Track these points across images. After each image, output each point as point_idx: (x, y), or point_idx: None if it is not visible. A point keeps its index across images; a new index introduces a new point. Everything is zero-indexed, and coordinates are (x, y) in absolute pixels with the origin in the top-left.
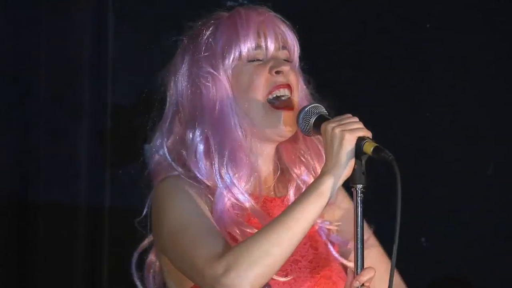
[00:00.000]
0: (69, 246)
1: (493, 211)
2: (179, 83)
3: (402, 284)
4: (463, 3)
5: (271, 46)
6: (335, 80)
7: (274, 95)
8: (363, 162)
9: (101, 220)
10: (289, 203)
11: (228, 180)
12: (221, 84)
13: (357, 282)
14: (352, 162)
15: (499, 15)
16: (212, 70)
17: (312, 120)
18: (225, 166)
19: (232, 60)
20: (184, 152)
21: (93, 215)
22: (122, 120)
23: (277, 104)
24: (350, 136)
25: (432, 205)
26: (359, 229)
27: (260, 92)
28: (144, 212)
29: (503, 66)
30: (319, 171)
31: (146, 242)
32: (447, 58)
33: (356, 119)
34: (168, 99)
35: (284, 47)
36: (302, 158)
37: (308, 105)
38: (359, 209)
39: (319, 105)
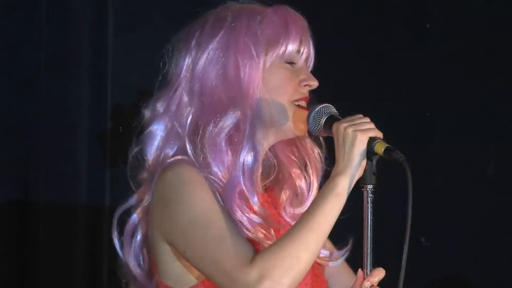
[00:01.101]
0: (69, 246)
1: (494, 211)
2: (208, 55)
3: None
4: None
5: (306, 55)
6: (335, 79)
7: (297, 104)
8: (374, 162)
9: (101, 220)
10: (277, 200)
11: (249, 171)
12: (257, 72)
13: (368, 282)
14: (364, 162)
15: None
16: (255, 54)
17: (323, 120)
18: (251, 156)
19: (276, 55)
20: (198, 132)
21: (93, 215)
22: (122, 120)
23: (301, 105)
24: (362, 136)
25: (432, 205)
26: (368, 230)
27: (286, 97)
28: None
29: (503, 66)
30: (311, 171)
31: (128, 205)
32: (447, 58)
33: (367, 119)
34: (183, 69)
35: (308, 56)
36: (296, 159)
37: (319, 105)
38: (369, 210)
39: (329, 105)
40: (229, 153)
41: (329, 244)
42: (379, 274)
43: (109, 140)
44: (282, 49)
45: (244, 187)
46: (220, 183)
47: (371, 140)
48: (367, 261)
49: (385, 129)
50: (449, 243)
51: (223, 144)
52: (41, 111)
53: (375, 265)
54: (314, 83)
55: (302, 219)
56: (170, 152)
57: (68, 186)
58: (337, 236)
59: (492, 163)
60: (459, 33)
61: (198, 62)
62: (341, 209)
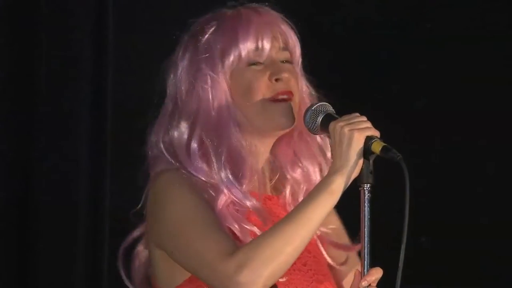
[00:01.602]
0: (69, 247)
1: (493, 210)
2: (178, 81)
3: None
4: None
5: (269, 48)
6: (334, 79)
7: (277, 98)
8: (371, 161)
9: (101, 220)
10: (286, 201)
11: (228, 182)
12: (219, 86)
13: (365, 281)
14: (360, 162)
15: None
16: (211, 73)
17: (320, 118)
18: (223, 167)
19: (232, 63)
20: (177, 152)
21: (94, 215)
22: (122, 120)
23: (275, 99)
24: (359, 135)
25: (431, 204)
26: (366, 229)
27: (259, 97)
28: (141, 203)
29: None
30: (312, 171)
31: (135, 234)
32: (447, 57)
33: (364, 118)
34: (167, 94)
35: (285, 48)
36: (298, 158)
37: (315, 104)
38: (366, 209)
39: (326, 103)
40: (209, 166)
41: (345, 239)
42: (377, 273)
43: (110, 140)
44: (236, 54)
45: (230, 196)
46: (212, 191)
47: (368, 139)
48: (364, 261)
49: (383, 128)
50: (449, 243)
51: (199, 159)
52: (41, 111)
53: (372, 264)
54: (284, 75)
55: (291, 213)
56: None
57: (69, 186)
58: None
59: (492, 163)
60: (458, 33)
61: (173, 89)
62: (333, 206)
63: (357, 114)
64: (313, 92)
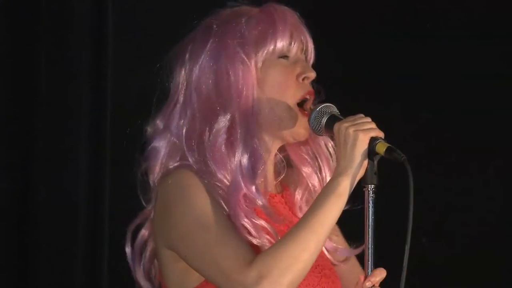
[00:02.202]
0: (69, 247)
1: (495, 211)
2: (200, 66)
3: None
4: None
5: (298, 46)
6: (335, 80)
7: (303, 100)
8: (375, 162)
9: (101, 220)
10: (295, 200)
11: (248, 173)
12: (250, 73)
13: (369, 282)
14: (365, 162)
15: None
16: (244, 57)
17: (324, 120)
18: (247, 157)
19: (266, 53)
20: (196, 141)
21: (93, 215)
22: (122, 120)
23: (302, 109)
24: (364, 136)
25: (433, 205)
26: (370, 229)
27: (289, 95)
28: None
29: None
30: (323, 171)
31: (138, 219)
32: (447, 57)
33: (368, 119)
34: (180, 82)
35: (305, 51)
36: (308, 158)
37: (320, 105)
38: (371, 210)
39: (331, 104)
40: (230, 158)
41: (343, 243)
42: (380, 274)
43: (109, 139)
44: (272, 45)
45: (246, 190)
46: (224, 188)
47: (373, 140)
48: (368, 261)
49: (384, 128)
50: (450, 243)
51: (223, 149)
52: (41, 111)
53: (376, 265)
54: (312, 74)
55: (303, 219)
56: (172, 164)
57: (68, 186)
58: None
59: (492, 163)
60: (458, 33)
61: (192, 74)
62: (342, 209)
63: (362, 115)
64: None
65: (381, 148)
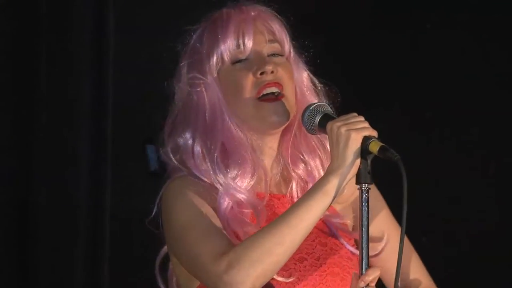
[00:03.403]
0: (70, 246)
1: (495, 210)
2: (177, 89)
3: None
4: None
5: (252, 43)
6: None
7: (263, 93)
8: (369, 161)
9: (102, 220)
10: (293, 199)
11: (225, 182)
12: (210, 88)
13: (362, 282)
14: (357, 162)
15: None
16: (199, 75)
17: (317, 118)
18: (217, 168)
19: (216, 64)
20: (184, 156)
21: (94, 214)
22: (123, 120)
23: (265, 98)
24: (356, 136)
25: (433, 204)
26: (364, 229)
27: (248, 94)
28: (154, 211)
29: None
30: (314, 166)
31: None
32: (447, 58)
33: (361, 118)
34: (173, 103)
35: (273, 40)
36: (302, 156)
37: (313, 104)
38: (364, 208)
39: (324, 103)
40: (206, 167)
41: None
42: (374, 273)
43: (111, 139)
44: (218, 55)
45: (235, 199)
46: (215, 195)
47: (366, 139)
48: (362, 261)
49: (384, 128)
50: (450, 243)
51: (197, 159)
52: (42, 110)
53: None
54: (267, 67)
55: (284, 214)
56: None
57: (69, 186)
58: None
59: (493, 163)
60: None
61: (178, 97)
62: (327, 207)
63: (355, 114)
64: (318, 84)
65: (375, 147)
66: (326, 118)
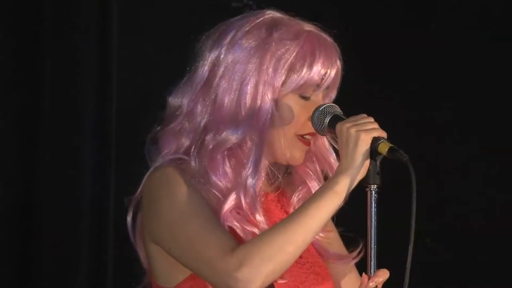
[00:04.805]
0: (73, 247)
1: (498, 211)
2: (231, 62)
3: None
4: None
5: (324, 87)
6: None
7: (304, 137)
8: (378, 162)
9: (106, 219)
10: (287, 199)
11: (251, 189)
12: (271, 102)
13: (373, 282)
14: (367, 163)
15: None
16: (274, 82)
17: (327, 119)
18: (253, 175)
19: (293, 87)
20: (202, 140)
21: (98, 214)
22: (127, 120)
23: (303, 139)
24: (366, 137)
25: (437, 205)
26: (372, 230)
27: (292, 131)
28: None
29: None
30: (319, 171)
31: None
32: (448, 57)
33: (371, 119)
34: (209, 61)
35: (331, 87)
36: (311, 159)
37: (323, 105)
38: (373, 209)
39: (334, 104)
40: (228, 169)
41: (340, 246)
42: (384, 275)
43: (114, 140)
44: (301, 82)
45: (245, 205)
46: (219, 194)
47: (375, 140)
48: (371, 262)
49: (385, 129)
50: (455, 244)
51: (220, 157)
52: (46, 110)
53: (379, 266)
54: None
55: (294, 212)
56: (175, 149)
57: (73, 185)
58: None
59: (494, 163)
60: (460, 32)
61: (221, 64)
62: (337, 207)
63: (364, 115)
64: None
65: (384, 148)
66: (336, 119)
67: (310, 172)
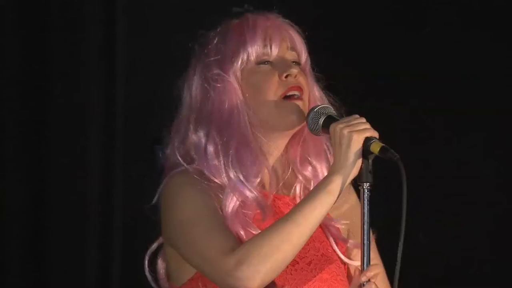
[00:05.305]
0: (80, 247)
1: (492, 206)
2: (191, 87)
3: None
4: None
5: (277, 47)
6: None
7: (288, 94)
8: (370, 161)
9: (112, 218)
10: (297, 200)
11: (235, 179)
12: (230, 85)
13: (365, 276)
14: (359, 162)
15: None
16: (221, 72)
17: (321, 120)
18: (231, 165)
19: (241, 63)
20: (193, 153)
21: (105, 214)
22: (133, 120)
23: (288, 98)
24: (358, 137)
25: (429, 200)
26: (365, 226)
27: (272, 93)
28: (154, 200)
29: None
30: (320, 169)
31: (155, 244)
32: (446, 56)
33: (363, 119)
34: (182, 103)
35: (293, 48)
36: (309, 159)
37: (317, 106)
38: (366, 207)
39: (328, 106)
40: (216, 164)
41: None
42: (376, 269)
43: (121, 140)
44: (245, 55)
45: (240, 197)
46: (220, 195)
47: (367, 140)
48: (364, 257)
49: (383, 128)
50: (447, 238)
51: (214, 161)
52: (53, 111)
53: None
54: (292, 71)
55: (290, 212)
56: (183, 153)
57: (79, 186)
58: None
59: (493, 161)
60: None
61: (190, 95)
62: (331, 205)
63: (357, 115)
64: (324, 98)
65: (376, 147)
66: (330, 120)
67: (311, 170)
